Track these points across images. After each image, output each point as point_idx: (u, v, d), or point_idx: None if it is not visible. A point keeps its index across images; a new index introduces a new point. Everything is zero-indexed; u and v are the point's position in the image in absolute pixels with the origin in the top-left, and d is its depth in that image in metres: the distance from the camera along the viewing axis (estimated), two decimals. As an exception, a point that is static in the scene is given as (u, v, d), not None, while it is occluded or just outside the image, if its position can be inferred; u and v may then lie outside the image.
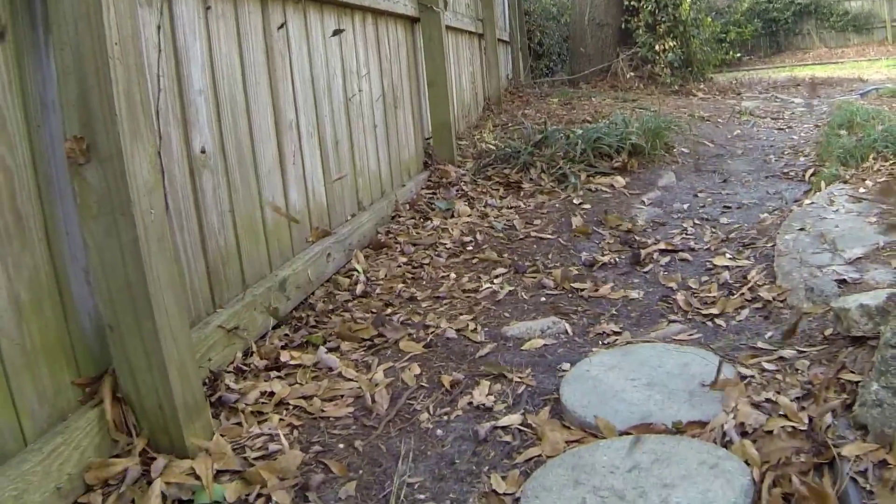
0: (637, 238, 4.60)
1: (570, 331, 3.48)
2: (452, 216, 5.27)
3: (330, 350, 3.31)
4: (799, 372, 2.67)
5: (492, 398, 2.88)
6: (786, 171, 6.15)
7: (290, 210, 3.82)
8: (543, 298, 3.89)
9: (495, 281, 4.14)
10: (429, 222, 5.14)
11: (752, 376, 2.71)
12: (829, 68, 17.36)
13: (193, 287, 2.94)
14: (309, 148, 4.07)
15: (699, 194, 5.60)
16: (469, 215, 5.26)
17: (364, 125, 4.96)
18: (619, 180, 5.82)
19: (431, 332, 3.52)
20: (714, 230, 4.68)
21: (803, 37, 22.35)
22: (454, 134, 6.65)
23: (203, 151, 3.03)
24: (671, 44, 11.71)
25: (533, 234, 4.83)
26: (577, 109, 9.16)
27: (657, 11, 11.81)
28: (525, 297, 3.92)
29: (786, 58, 21.33)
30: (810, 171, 5.91)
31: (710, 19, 13.42)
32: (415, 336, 3.48)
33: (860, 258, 3.57)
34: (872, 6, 22.00)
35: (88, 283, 2.35)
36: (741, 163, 6.55)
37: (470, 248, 4.69)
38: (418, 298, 3.95)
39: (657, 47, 11.78)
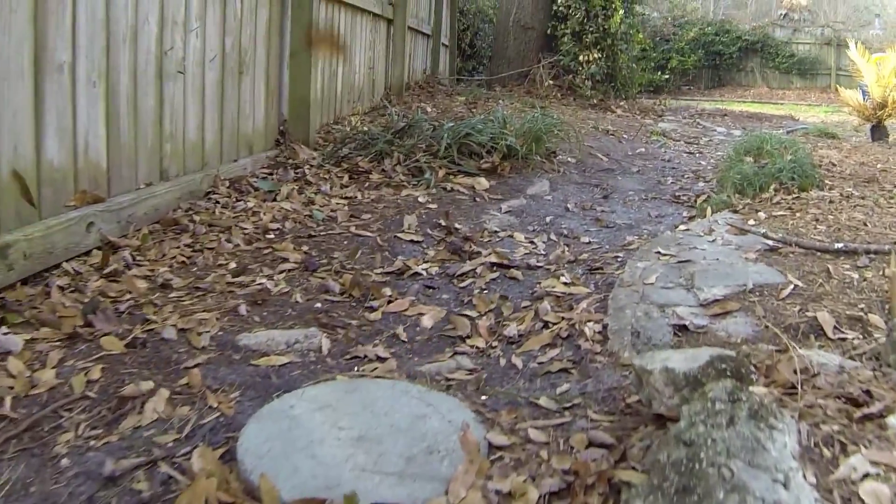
0: (473, 247, 3.75)
1: (325, 349, 2.65)
2: (274, 199, 4.38)
3: (27, 334, 2.57)
4: (572, 452, 1.82)
5: (167, 424, 2.11)
6: (679, 194, 5.37)
7: (45, 166, 3.09)
8: (319, 304, 3.03)
9: (276, 277, 3.29)
10: (242, 203, 4.25)
11: (510, 447, 1.86)
12: (767, 107, 16.89)
13: None
14: (88, 98, 3.32)
15: (570, 208, 4.78)
16: (292, 201, 4.37)
17: (186, 86, 4.13)
18: (483, 183, 4.97)
19: (147, 329, 2.71)
20: (567, 249, 3.85)
21: (746, 74, 21.93)
22: (314, 112, 5.76)
23: None
24: (596, 55, 10.92)
25: (353, 229, 3.96)
26: (478, 110, 8.32)
27: (586, 21, 11.02)
28: (299, 300, 3.07)
29: (726, 92, 20.87)
30: (704, 196, 5.14)
31: (641, 36, 12.70)
32: (123, 332, 2.63)
33: (719, 300, 2.77)
34: (819, 52, 21.71)
35: None
36: (632, 181, 5.76)
37: (271, 236, 3.81)
38: (173, 286, 3.12)
39: (581, 58, 10.97)
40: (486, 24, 15.19)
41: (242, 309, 2.92)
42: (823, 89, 21.20)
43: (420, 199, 4.54)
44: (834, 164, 6.44)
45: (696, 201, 5.11)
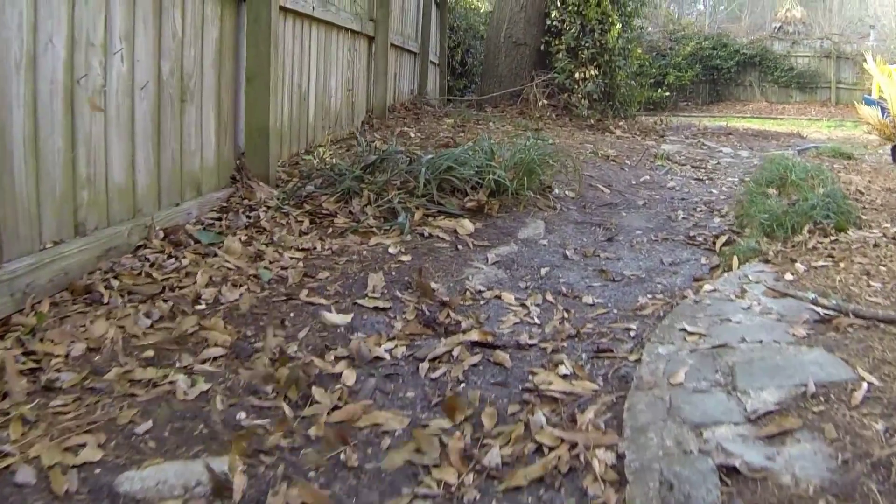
0: (451, 317, 3.04)
1: (238, 491, 1.93)
2: (216, 254, 3.65)
3: None
4: None
5: None
6: (693, 234, 4.65)
7: None
8: (243, 414, 2.30)
9: (195, 369, 2.56)
10: (174, 261, 3.52)
11: None
12: (768, 123, 16.26)
13: None
14: (-35, 142, 2.60)
15: (569, 255, 4.07)
16: (238, 255, 3.65)
17: (109, 120, 3.39)
18: (467, 226, 4.25)
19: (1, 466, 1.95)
20: (567, 315, 3.14)
21: (745, 88, 21.26)
22: (275, 143, 5.04)
23: None
24: (593, 72, 10.19)
25: (304, 295, 3.24)
26: (467, 134, 7.64)
27: (581, 36, 10.31)
28: (219, 406, 2.34)
29: (724, 108, 20.22)
30: (724, 238, 4.42)
31: (640, 51, 11.98)
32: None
33: (772, 412, 2.05)
34: (819, 65, 21.05)
35: None
36: (638, 217, 5.04)
37: (201, 306, 3.08)
38: (61, 387, 2.40)
39: (577, 75, 10.24)
40: (477, 41, 14.56)
41: (138, 426, 2.19)
42: (824, 103, 20.60)
43: (391, 250, 3.82)
44: (861, 192, 5.77)
45: (714, 243, 4.40)
